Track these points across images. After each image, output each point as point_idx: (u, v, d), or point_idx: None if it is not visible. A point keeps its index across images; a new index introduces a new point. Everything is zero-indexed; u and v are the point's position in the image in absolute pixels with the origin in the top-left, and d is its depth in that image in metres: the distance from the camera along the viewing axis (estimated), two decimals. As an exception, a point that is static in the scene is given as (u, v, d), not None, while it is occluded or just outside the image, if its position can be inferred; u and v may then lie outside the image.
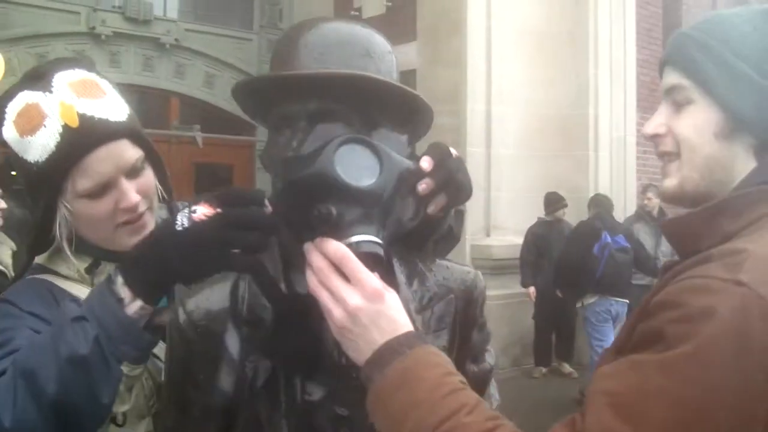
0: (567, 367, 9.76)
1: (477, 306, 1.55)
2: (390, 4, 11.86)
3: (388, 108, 1.35)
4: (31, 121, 1.52)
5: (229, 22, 13.83)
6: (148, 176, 1.63)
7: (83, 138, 1.51)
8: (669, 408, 1.07)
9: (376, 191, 1.25)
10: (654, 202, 9.29)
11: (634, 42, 11.12)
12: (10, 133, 1.55)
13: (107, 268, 1.60)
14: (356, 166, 1.25)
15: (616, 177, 10.76)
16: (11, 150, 1.57)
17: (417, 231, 1.43)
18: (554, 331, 9.72)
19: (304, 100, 1.31)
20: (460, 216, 1.61)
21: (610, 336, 8.51)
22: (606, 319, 8.54)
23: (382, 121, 1.35)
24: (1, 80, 9.41)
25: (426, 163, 1.33)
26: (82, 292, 1.57)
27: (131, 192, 1.56)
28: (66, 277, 1.61)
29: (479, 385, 1.57)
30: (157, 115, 12.98)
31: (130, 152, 1.57)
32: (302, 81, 1.31)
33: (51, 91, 1.53)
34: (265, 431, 1.36)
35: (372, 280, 1.21)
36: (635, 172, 10.92)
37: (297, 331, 1.36)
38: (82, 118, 1.51)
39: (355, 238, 1.22)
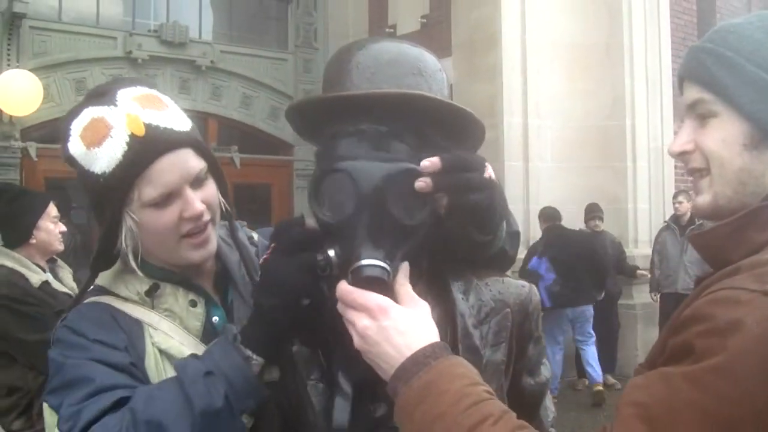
0: (610, 379, 9.66)
1: (533, 320, 1.55)
2: (425, 20, 11.89)
3: (440, 125, 1.37)
4: (97, 133, 1.52)
5: (264, 42, 13.91)
6: (211, 187, 1.64)
7: (149, 146, 1.51)
8: (698, 421, 1.07)
9: (357, 215, 1.28)
10: (685, 207, 9.20)
11: (669, 52, 11.02)
12: (76, 148, 1.55)
13: (167, 290, 1.62)
14: (339, 197, 1.29)
15: (655, 187, 10.67)
16: (78, 164, 1.56)
17: (453, 240, 1.43)
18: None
19: (357, 120, 1.32)
20: (516, 237, 1.61)
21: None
22: (556, 342, 9.06)
23: (434, 138, 1.36)
24: (40, 106, 9.61)
25: (428, 162, 1.30)
26: (142, 314, 1.58)
27: (196, 201, 1.56)
28: (126, 299, 1.61)
29: (536, 397, 1.58)
30: (194, 137, 13.05)
31: (193, 162, 1.58)
32: (355, 101, 1.32)
33: (116, 105, 1.54)
34: None
35: (373, 297, 1.25)
36: (674, 181, 10.82)
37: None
38: (148, 127, 1.52)
39: (356, 265, 1.26)
